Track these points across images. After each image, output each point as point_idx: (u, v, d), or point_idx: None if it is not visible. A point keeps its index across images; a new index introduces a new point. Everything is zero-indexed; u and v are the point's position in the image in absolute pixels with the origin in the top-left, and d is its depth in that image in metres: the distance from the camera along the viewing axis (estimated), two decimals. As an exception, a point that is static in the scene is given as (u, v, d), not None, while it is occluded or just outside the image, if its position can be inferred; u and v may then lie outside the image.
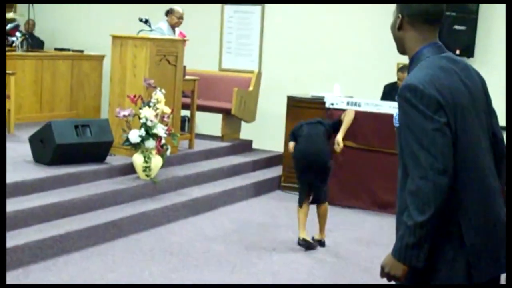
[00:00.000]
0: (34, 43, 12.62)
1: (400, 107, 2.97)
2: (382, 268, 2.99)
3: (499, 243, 2.99)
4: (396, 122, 3.10)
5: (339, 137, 7.63)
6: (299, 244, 7.33)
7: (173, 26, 10.05)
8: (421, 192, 2.81)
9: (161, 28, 9.81)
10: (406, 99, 2.90)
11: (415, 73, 2.98)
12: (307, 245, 7.32)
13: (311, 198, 7.42)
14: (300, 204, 7.41)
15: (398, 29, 3.11)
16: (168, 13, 10.10)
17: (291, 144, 7.53)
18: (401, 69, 9.45)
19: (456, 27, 9.96)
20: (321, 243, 7.44)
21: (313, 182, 7.34)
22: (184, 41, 9.38)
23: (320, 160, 7.30)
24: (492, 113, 3.17)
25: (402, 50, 3.19)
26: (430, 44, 3.05)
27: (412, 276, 2.96)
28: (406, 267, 2.89)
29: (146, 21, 9.40)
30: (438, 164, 2.80)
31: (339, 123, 7.85)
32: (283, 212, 8.61)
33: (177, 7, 10.13)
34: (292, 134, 7.60)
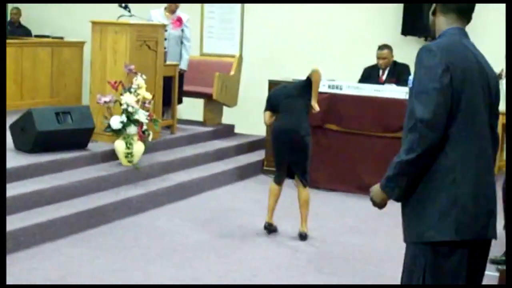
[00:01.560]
0: (21, 32, 12.54)
1: (415, 64, 3.39)
2: (370, 193, 3.51)
3: (487, 212, 3.33)
4: (410, 83, 3.48)
5: (314, 102, 7.28)
6: (265, 228, 7.28)
7: (171, 11, 9.92)
8: (410, 139, 3.23)
9: (149, 13, 9.81)
10: (420, 57, 3.33)
11: (435, 41, 3.41)
12: (270, 230, 7.29)
13: (291, 176, 7.30)
14: (276, 181, 7.24)
15: (432, 13, 3.53)
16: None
17: (267, 115, 7.32)
18: (381, 47, 9.46)
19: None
20: (303, 236, 7.17)
21: (293, 160, 7.16)
22: (164, 26, 9.31)
23: (300, 137, 7.06)
24: (494, 110, 3.48)
25: (433, 31, 3.58)
26: (456, 27, 3.46)
27: (408, 231, 3.42)
28: (385, 196, 3.42)
29: (126, 7, 9.37)
30: (428, 119, 3.18)
31: (309, 85, 7.34)
32: (265, 196, 8.59)
33: None
34: (269, 103, 7.34)
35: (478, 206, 3.28)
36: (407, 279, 3.42)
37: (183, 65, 10.07)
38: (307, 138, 7.10)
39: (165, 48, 9.59)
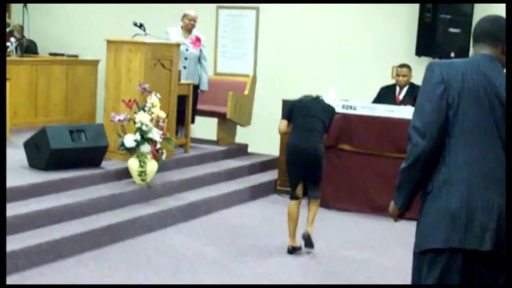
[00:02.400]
0: (27, 45, 12.56)
1: None
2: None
3: (481, 224, 3.34)
4: None
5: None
6: (289, 251, 7.28)
7: (188, 30, 10.00)
8: (408, 147, 3.46)
9: (167, 33, 9.85)
10: (424, 74, 3.51)
11: None
12: (295, 251, 7.30)
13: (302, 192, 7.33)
14: (292, 197, 7.32)
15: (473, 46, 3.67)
16: (182, 17, 10.05)
17: (285, 124, 7.36)
18: (401, 65, 9.46)
19: (451, 29, 9.96)
20: (308, 240, 7.20)
21: (307, 172, 7.23)
22: (179, 45, 9.35)
23: (313, 158, 7.17)
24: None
25: None
26: (479, 54, 3.55)
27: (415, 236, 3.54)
28: (395, 207, 3.64)
29: (141, 26, 9.42)
30: (419, 127, 3.41)
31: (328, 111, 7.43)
32: (279, 216, 8.56)
33: (190, 11, 10.06)
34: (288, 113, 7.37)
35: (471, 218, 3.32)
36: None
37: (204, 86, 10.17)
38: (321, 158, 7.22)
39: (185, 67, 9.66)
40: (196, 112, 10.33)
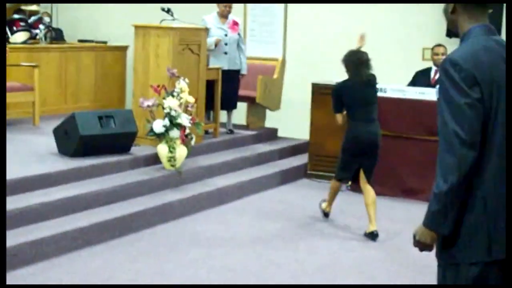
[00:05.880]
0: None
1: (439, 79, 3.14)
2: (414, 236, 3.19)
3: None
4: (437, 93, 3.22)
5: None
6: (325, 215, 7.82)
7: (224, 16, 9.95)
8: (446, 162, 3.00)
9: (204, 20, 9.81)
10: (446, 72, 3.06)
11: (459, 49, 3.17)
12: (326, 215, 7.86)
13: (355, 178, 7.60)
14: (339, 179, 7.59)
15: (451, 12, 3.29)
16: (218, 3, 9.99)
17: (340, 117, 7.42)
18: (437, 44, 9.38)
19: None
20: (374, 235, 7.18)
21: (367, 163, 7.37)
22: (206, 29, 9.29)
23: (376, 145, 7.32)
24: None
25: (455, 31, 3.34)
26: (481, 25, 3.21)
27: (440, 251, 3.17)
28: (434, 234, 3.10)
29: (168, 10, 9.36)
30: (464, 136, 2.96)
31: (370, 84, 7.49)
32: (309, 200, 8.52)
33: None
34: (339, 105, 7.40)
35: (505, 229, 3.05)
36: None
37: (245, 70, 10.14)
38: (380, 144, 7.40)
39: (226, 53, 9.64)
40: (237, 98, 10.30)
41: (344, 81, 7.49)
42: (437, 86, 3.21)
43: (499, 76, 3.06)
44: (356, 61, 7.36)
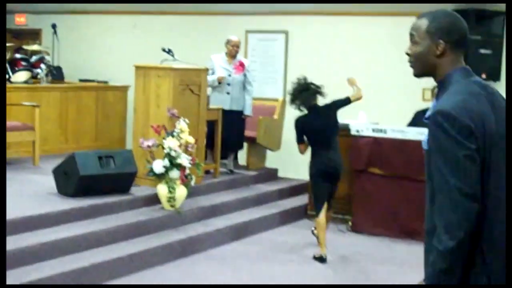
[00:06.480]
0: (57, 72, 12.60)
1: (430, 131, 2.96)
2: None
3: None
4: (425, 145, 3.08)
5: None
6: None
7: (232, 56, 10.02)
8: (451, 218, 2.81)
9: (211, 60, 9.91)
10: (438, 124, 2.89)
11: (447, 98, 2.96)
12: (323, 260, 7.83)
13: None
14: (318, 214, 7.86)
15: (439, 56, 3.03)
16: (226, 43, 10.06)
17: (303, 147, 8.05)
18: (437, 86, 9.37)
19: (482, 51, 9.85)
20: (323, 259, 7.75)
21: (331, 191, 7.97)
22: (206, 70, 9.33)
23: (340, 171, 7.92)
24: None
25: (428, 75, 3.13)
26: (460, 68, 3.04)
27: None
28: None
29: (169, 51, 9.42)
30: (468, 190, 2.80)
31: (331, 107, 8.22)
32: (309, 241, 8.49)
33: (233, 36, 10.09)
34: (301, 135, 8.00)
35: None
36: None
37: (248, 111, 10.15)
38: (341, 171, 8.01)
39: (228, 93, 9.67)
40: (243, 138, 10.37)
41: (305, 114, 8.09)
42: (425, 138, 3.08)
43: (490, 126, 2.90)
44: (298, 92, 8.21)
